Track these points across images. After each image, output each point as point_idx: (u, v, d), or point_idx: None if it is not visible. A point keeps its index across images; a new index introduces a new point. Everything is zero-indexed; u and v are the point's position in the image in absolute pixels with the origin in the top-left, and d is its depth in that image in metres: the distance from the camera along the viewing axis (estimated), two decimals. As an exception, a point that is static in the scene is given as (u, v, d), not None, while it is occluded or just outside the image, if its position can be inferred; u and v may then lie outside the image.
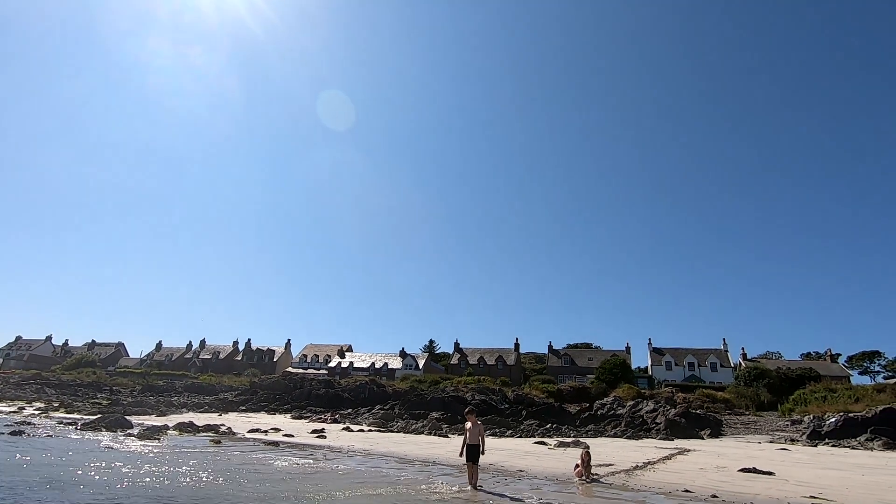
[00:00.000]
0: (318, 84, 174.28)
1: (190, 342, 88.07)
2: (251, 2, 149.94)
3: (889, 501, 9.50)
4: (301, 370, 65.76)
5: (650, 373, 64.45)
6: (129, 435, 16.67)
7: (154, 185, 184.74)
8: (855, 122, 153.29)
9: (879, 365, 74.34)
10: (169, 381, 56.18)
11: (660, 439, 24.21)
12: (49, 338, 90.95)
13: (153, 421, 23.54)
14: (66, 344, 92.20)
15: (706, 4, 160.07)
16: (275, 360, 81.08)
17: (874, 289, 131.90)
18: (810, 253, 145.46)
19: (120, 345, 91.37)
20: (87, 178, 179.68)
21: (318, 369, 70.79)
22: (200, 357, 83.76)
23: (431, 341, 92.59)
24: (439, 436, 23.03)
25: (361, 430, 24.34)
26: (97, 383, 50.94)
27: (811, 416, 27.56)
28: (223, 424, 22.97)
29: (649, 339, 68.96)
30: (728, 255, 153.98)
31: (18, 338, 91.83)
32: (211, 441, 16.60)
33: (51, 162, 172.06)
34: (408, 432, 24.74)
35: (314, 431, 21.97)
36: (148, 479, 9.01)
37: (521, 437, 23.93)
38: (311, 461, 13.09)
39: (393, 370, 72.18)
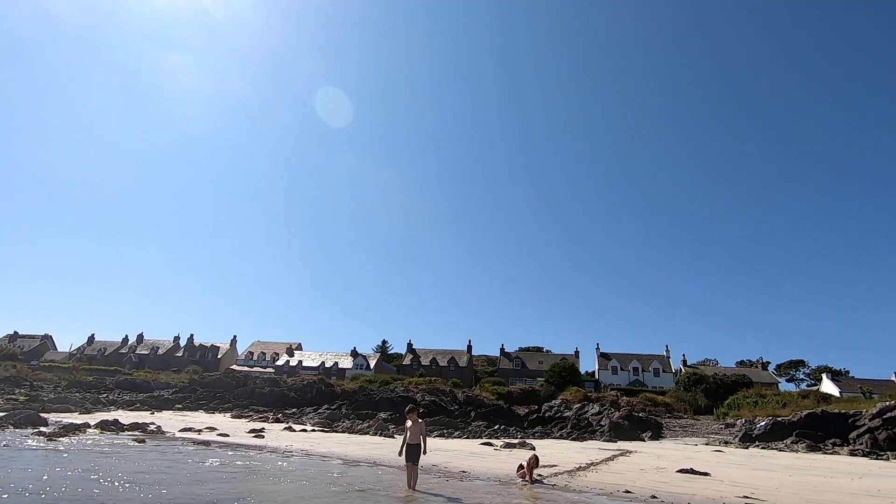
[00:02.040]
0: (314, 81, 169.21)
1: (126, 336, 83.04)
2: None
3: (815, 500, 9.83)
4: (246, 368, 63.19)
5: (597, 377, 66.20)
6: (40, 433, 15.14)
7: (96, 170, 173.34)
8: (793, 128, 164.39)
9: (804, 373, 79.86)
10: (100, 378, 52.42)
11: (603, 441, 24.65)
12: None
13: (74, 419, 21.70)
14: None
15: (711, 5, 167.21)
16: (219, 357, 77.61)
17: (802, 301, 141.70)
18: (747, 265, 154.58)
19: (47, 337, 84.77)
20: (24, 159, 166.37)
21: (265, 368, 68.24)
22: (137, 352, 79.03)
23: (384, 341, 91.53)
24: (385, 436, 22.46)
25: (304, 430, 23.41)
26: (16, 378, 46.77)
27: (743, 420, 28.92)
28: (153, 423, 21.47)
29: (597, 345, 70.94)
30: (674, 266, 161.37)
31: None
32: (134, 440, 15.35)
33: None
34: (353, 433, 24.02)
35: (252, 431, 20.90)
36: (29, 484, 7.96)
37: (468, 438, 23.72)
38: (241, 462, 12.26)
39: (343, 370, 70.65)
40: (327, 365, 72.25)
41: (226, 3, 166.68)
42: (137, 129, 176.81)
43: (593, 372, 70.17)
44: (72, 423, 17.80)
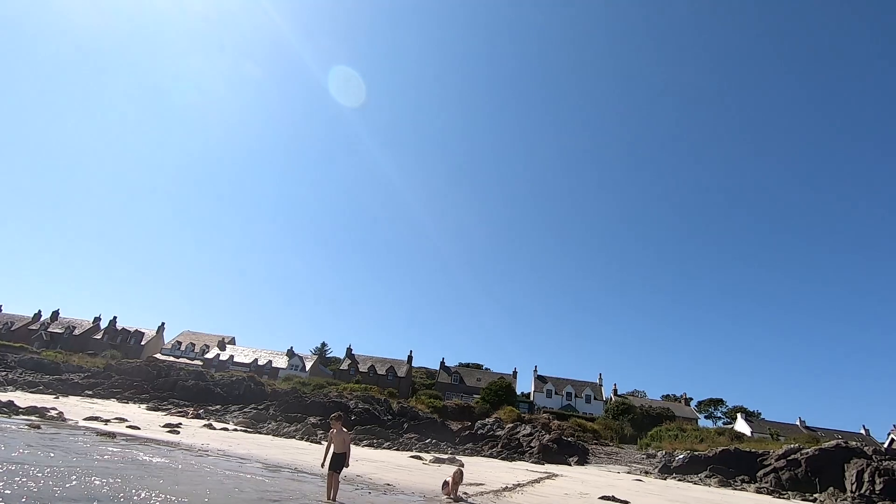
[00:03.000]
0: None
1: (39, 312, 76.15)
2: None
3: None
4: (172, 358, 59.43)
5: (532, 398, 67.23)
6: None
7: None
8: (733, 169, 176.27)
9: (721, 411, 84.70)
10: (1, 354, 47.70)
11: (532, 462, 24.87)
12: None
13: (-40, 396, 19.49)
14: None
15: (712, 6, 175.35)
16: (143, 343, 72.68)
17: (725, 342, 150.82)
18: (683, 302, 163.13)
19: (-57, 304, 76.43)
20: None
21: (193, 359, 64.48)
22: (49, 330, 72.66)
23: (324, 344, 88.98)
24: (312, 442, 21.63)
25: (225, 429, 22.14)
26: None
27: (664, 452, 30.12)
28: (55, 408, 19.63)
29: (535, 367, 72.14)
30: (613, 296, 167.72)
31: None
32: (28, 425, 13.89)
33: None
34: (278, 435, 22.99)
35: (168, 426, 19.52)
36: None
37: (398, 449, 23.26)
38: (144, 457, 11.29)
39: (277, 369, 67.95)
40: (260, 363, 69.30)
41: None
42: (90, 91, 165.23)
43: (529, 393, 71.22)
44: (-45, 401, 15.93)
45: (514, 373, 72.26)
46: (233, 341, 76.76)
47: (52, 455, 9.87)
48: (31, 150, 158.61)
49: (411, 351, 77.55)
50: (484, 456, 26.15)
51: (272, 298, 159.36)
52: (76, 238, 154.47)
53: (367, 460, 15.71)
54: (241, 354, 71.78)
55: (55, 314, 76.46)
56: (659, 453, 30.85)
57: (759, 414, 72.68)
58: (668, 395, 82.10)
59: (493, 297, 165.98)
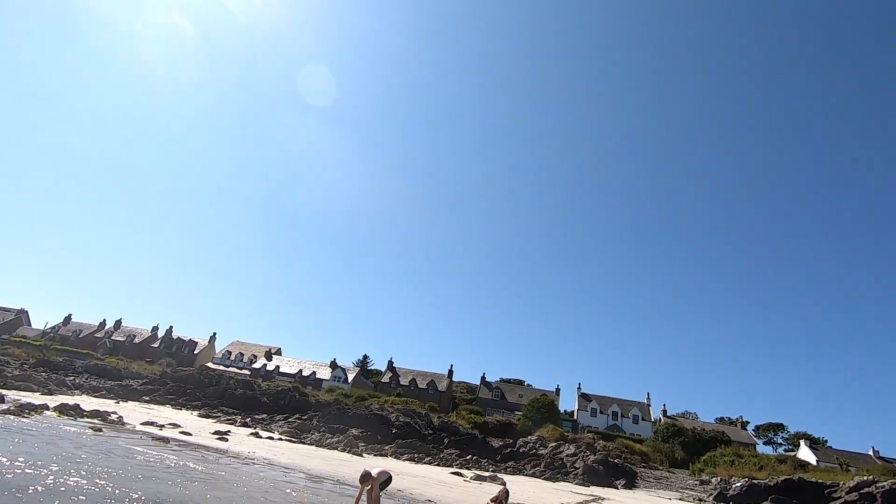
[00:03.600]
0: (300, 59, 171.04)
1: (104, 321, 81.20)
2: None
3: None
4: (222, 367, 61.91)
5: (576, 417, 65.27)
6: (-6, 410, 14.49)
7: (97, 148, 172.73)
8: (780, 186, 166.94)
9: (782, 437, 79.08)
10: (69, 360, 51.10)
11: (576, 484, 24.02)
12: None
13: (33, 398, 20.92)
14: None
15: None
16: (195, 352, 75.99)
17: (786, 364, 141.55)
18: (737, 321, 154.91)
19: (22, 312, 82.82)
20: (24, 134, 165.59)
21: (241, 369, 66.77)
22: (113, 338, 77.27)
23: (365, 356, 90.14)
24: (354, 454, 21.78)
25: (270, 438, 22.64)
26: (-17, 350, 45.57)
27: (719, 479, 28.37)
28: (115, 412, 20.71)
29: (579, 384, 70.07)
30: (663, 314, 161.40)
31: None
32: (91, 428, 14.71)
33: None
34: (321, 446, 23.29)
35: (217, 433, 20.17)
36: None
37: (439, 465, 23.05)
38: (193, 464, 11.68)
39: (321, 380, 69.24)
40: (305, 373, 70.85)
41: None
42: (131, 112, 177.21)
43: (572, 412, 69.18)
44: (30, 403, 17.12)
45: (557, 390, 70.57)
46: (279, 352, 79.01)
47: (113, 456, 10.39)
48: (105, 172, 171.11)
49: (452, 365, 77.37)
50: (526, 475, 25.51)
51: (316, 310, 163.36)
52: (140, 251, 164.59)
53: (407, 475, 15.63)
54: (287, 365, 73.69)
55: (118, 323, 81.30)
56: (713, 480, 29.08)
57: (825, 441, 67.34)
58: (721, 419, 77.69)
59: (535, 311, 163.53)
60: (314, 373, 71.63)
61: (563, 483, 23.86)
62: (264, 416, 33.44)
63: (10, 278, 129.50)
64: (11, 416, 13.65)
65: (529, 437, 36.91)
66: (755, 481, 25.86)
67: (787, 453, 58.97)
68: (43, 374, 37.13)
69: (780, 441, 79.02)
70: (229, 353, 78.17)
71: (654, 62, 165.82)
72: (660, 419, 63.28)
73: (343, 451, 22.52)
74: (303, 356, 77.54)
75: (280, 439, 23.18)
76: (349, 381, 70.18)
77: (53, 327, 78.70)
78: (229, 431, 21.47)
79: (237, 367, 67.10)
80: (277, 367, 72.74)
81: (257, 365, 72.71)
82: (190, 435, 18.00)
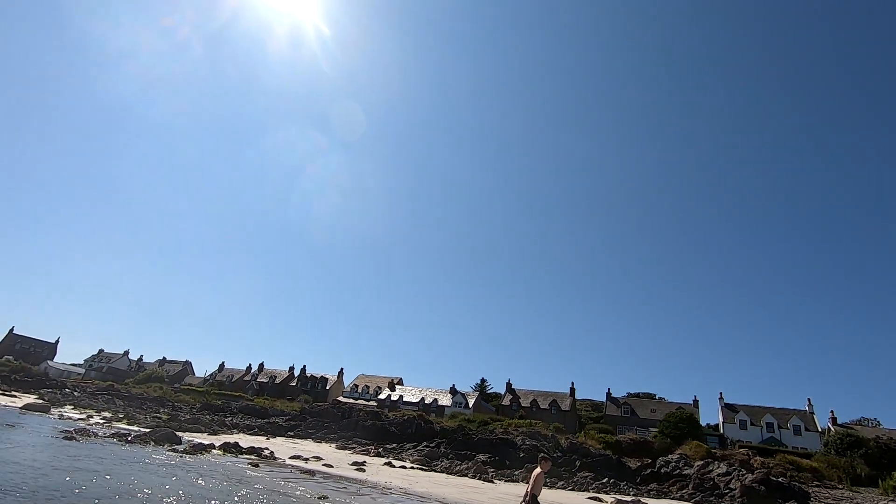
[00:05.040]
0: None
1: (249, 365, 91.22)
2: None
3: None
4: (351, 400, 65.87)
5: (721, 430, 58.58)
6: (174, 450, 16.81)
7: (223, 218, 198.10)
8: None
9: None
10: (226, 402, 57.90)
11: (735, 508, 21.38)
12: (126, 353, 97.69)
13: (202, 439, 23.89)
14: (140, 359, 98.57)
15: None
16: (327, 388, 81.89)
17: None
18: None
19: (187, 363, 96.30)
20: (171, 202, 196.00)
21: (368, 400, 70.51)
22: (258, 380, 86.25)
23: (483, 380, 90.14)
24: (484, 480, 21.65)
25: (403, 467, 23.39)
26: (162, 398, 53.45)
27: (924, 498, 23.40)
28: (267, 448, 22.88)
29: (720, 394, 63.01)
30: (817, 304, 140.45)
31: (101, 351, 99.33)
32: (249, 464, 16.39)
33: (142, 189, 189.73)
34: (451, 473, 23.48)
35: (354, 464, 21.32)
36: (147, 491, 8.68)
37: (574, 489, 22.02)
38: (339, 494, 12.40)
39: (442, 407, 70.47)
40: (427, 401, 72.66)
41: None
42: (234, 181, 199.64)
43: (716, 425, 62.33)
44: (200, 444, 19.60)
45: (695, 401, 64.23)
46: (400, 382, 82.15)
47: (276, 494, 11.45)
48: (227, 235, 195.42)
49: (573, 382, 74.14)
50: (673, 498, 23.31)
51: (432, 338, 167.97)
52: (276, 302, 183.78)
53: (543, 501, 15.10)
54: (409, 394, 76.21)
55: (261, 366, 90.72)
56: (916, 500, 24.08)
57: None
58: (913, 424, 64.69)
59: (659, 318, 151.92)
60: (435, 400, 73.12)
61: (718, 507, 21.38)
62: (394, 445, 34.68)
63: (177, 336, 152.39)
64: (188, 456, 15.71)
65: (670, 456, 33.92)
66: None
67: None
68: (207, 416, 42.40)
69: None
70: (356, 386, 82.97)
71: (660, 57, 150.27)
72: (829, 428, 54.49)
73: (473, 477, 22.48)
74: (423, 384, 79.71)
75: (412, 467, 23.82)
76: (470, 406, 70.48)
77: (211, 374, 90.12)
78: (365, 462, 22.57)
79: (364, 399, 70.93)
80: (401, 396, 75.51)
81: (382, 396, 76.16)
82: (332, 467, 19.24)
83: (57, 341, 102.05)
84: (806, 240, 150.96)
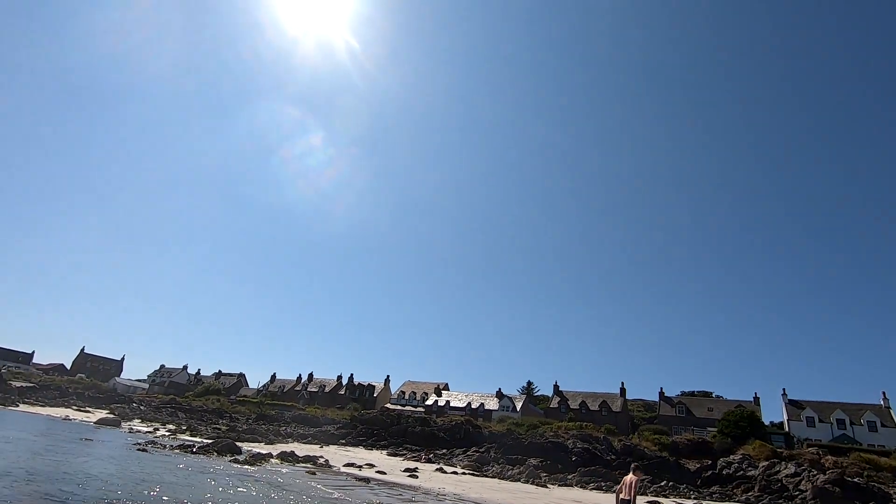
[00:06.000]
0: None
1: (300, 375, 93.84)
2: None
3: None
4: (399, 407, 66.59)
5: (787, 429, 55.40)
6: (236, 460, 17.55)
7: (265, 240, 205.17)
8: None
9: None
10: (279, 412, 59.84)
11: (807, 511, 20.20)
12: (185, 367, 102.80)
13: (260, 448, 24.79)
14: (198, 373, 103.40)
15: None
16: (375, 395, 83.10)
17: None
18: None
19: (241, 375, 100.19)
20: (228, 225, 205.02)
21: (416, 407, 71.05)
22: (308, 390, 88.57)
23: (529, 383, 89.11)
24: (537, 485, 21.40)
25: (455, 473, 23.44)
26: (220, 410, 55.84)
27: None
28: (322, 457, 23.48)
29: (783, 390, 59.66)
30: (878, 299, 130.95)
31: (162, 366, 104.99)
32: (307, 472, 16.90)
33: (205, 217, 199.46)
34: (503, 478, 23.35)
35: (406, 470, 21.56)
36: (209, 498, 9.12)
37: (630, 493, 21.39)
38: (395, 501, 12.59)
39: (489, 411, 70.09)
40: (473, 406, 72.47)
41: None
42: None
43: (781, 423, 59.09)
44: (259, 453, 20.37)
45: (756, 398, 61.13)
46: (446, 387, 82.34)
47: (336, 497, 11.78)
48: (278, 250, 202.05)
49: (623, 382, 72.11)
50: (737, 501, 22.32)
51: (477, 342, 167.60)
52: (325, 314, 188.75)
53: (599, 506, 14.80)
54: (456, 399, 76.22)
55: (311, 376, 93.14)
56: None
57: None
58: None
59: (713, 310, 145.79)
60: (482, 404, 72.80)
61: (788, 510, 20.27)
62: (444, 450, 34.81)
63: (230, 351, 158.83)
64: (248, 467, 16.38)
65: (732, 457, 32.42)
66: None
67: None
68: (263, 426, 43.94)
69: None
70: (403, 392, 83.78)
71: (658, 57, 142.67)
72: (908, 424, 50.56)
73: (526, 482, 22.28)
74: (469, 389, 79.61)
75: (463, 473, 23.84)
76: (517, 409, 69.76)
77: (264, 386, 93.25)
78: (417, 468, 22.78)
79: (412, 406, 71.50)
80: (448, 402, 75.61)
81: (429, 402, 76.50)
82: (385, 474, 19.54)
83: (122, 358, 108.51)
84: (872, 228, 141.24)
